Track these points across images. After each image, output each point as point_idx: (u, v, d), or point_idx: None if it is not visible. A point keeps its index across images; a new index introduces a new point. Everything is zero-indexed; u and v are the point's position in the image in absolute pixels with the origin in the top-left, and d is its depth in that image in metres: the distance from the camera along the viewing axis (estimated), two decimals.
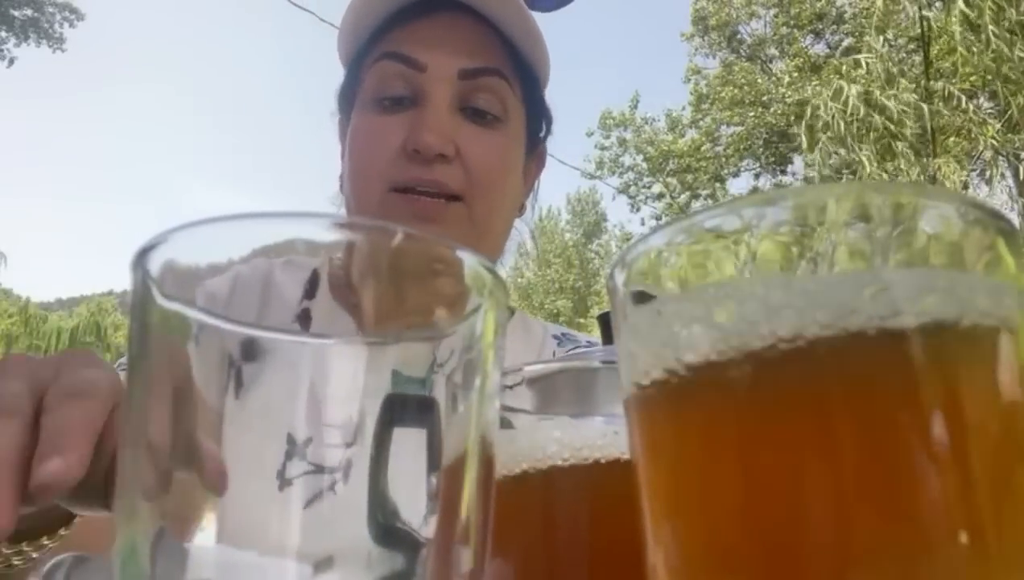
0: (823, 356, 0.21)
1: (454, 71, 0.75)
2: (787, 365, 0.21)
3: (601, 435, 0.35)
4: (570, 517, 0.35)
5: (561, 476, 0.35)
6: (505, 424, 0.38)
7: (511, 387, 0.38)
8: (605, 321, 0.48)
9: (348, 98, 0.83)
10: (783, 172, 14.29)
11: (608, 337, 0.46)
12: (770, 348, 0.21)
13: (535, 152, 0.88)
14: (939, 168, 6.99)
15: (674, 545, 0.24)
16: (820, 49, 13.69)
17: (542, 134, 0.88)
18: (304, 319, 0.75)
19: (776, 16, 14.13)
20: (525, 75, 0.80)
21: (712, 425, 0.23)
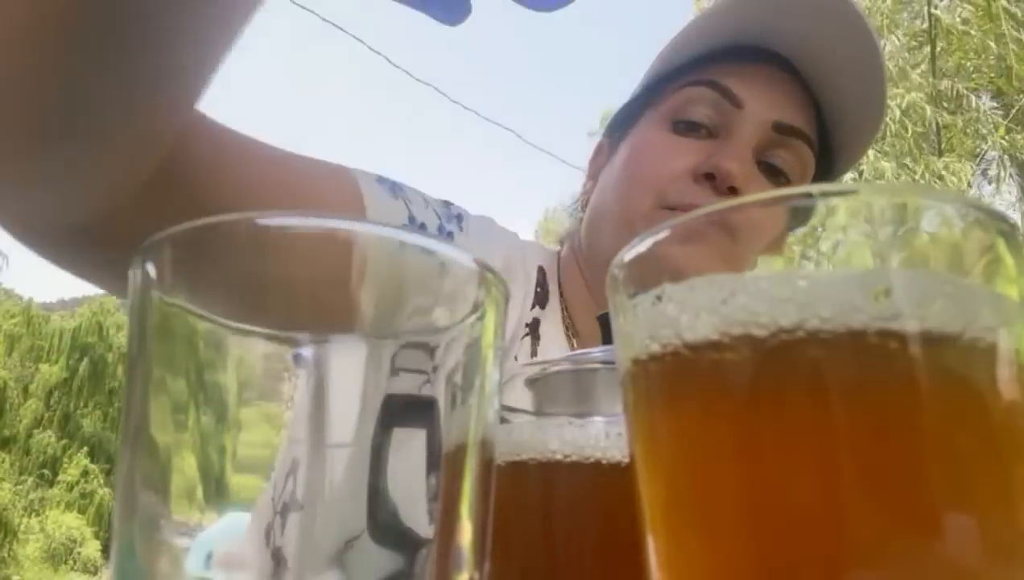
0: (822, 347, 0.21)
1: (770, 119, 0.73)
2: (786, 350, 0.21)
3: (604, 436, 0.35)
4: (571, 509, 0.35)
5: (562, 471, 0.35)
6: (509, 422, 0.38)
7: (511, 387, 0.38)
8: (604, 322, 0.48)
9: (628, 118, 0.81)
10: None
11: (608, 337, 0.46)
12: (771, 336, 0.21)
13: None
14: (946, 167, 6.98)
15: (671, 532, 0.24)
16: None
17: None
18: None
19: None
20: (823, 157, 0.78)
21: (708, 403, 0.23)
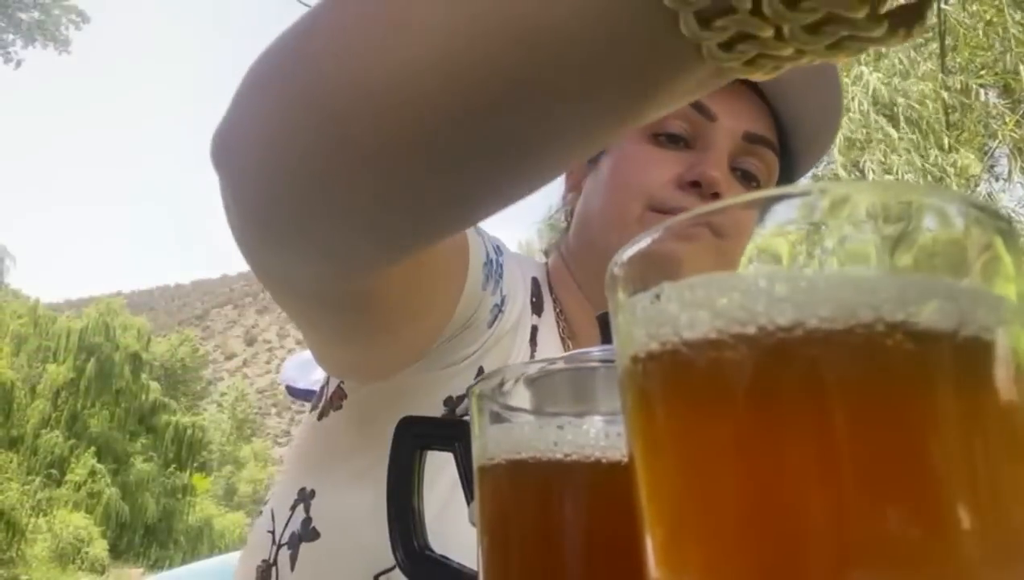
0: (821, 346, 0.21)
1: (741, 130, 0.80)
2: (784, 349, 0.21)
3: (604, 435, 0.35)
4: (570, 507, 0.35)
5: (562, 469, 0.35)
6: (510, 422, 0.38)
7: (511, 387, 0.39)
8: (603, 321, 0.47)
9: None
10: None
11: (607, 337, 0.46)
12: (769, 335, 0.21)
13: None
14: (955, 162, 6.95)
15: (669, 531, 0.24)
16: None
17: None
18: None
19: None
20: (785, 161, 0.85)
21: (706, 402, 0.23)
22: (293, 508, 0.75)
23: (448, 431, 0.52)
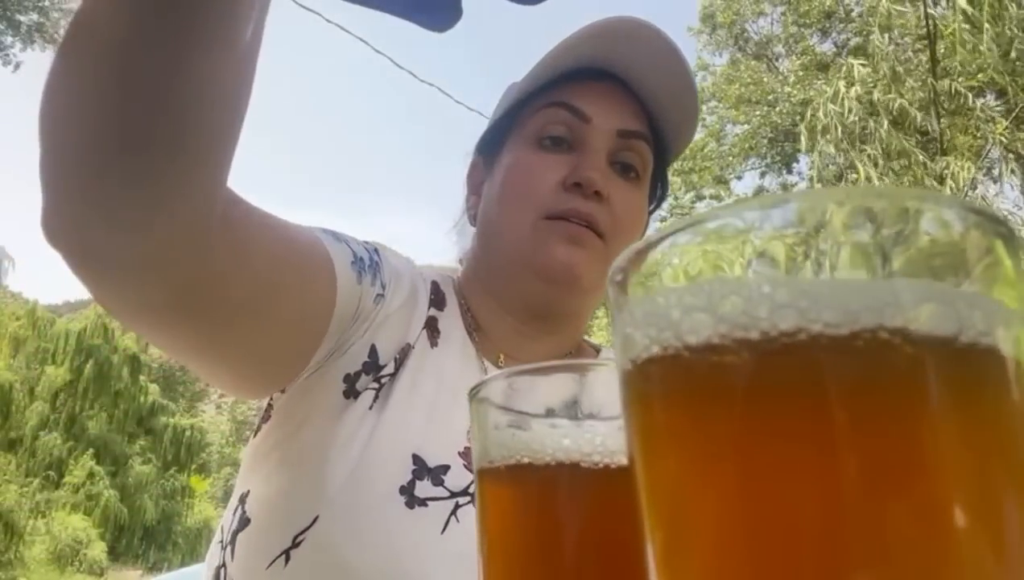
0: (822, 351, 0.21)
1: (615, 128, 0.89)
2: (785, 354, 0.21)
3: (604, 438, 0.35)
4: (571, 511, 0.35)
5: (562, 473, 0.35)
6: (511, 425, 0.38)
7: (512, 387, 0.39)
8: None
9: (496, 139, 0.96)
10: (788, 171, 14.26)
11: None
12: (771, 340, 0.21)
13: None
14: (947, 166, 6.95)
15: (670, 534, 0.24)
16: (827, 48, 13.66)
17: (652, 206, 1.00)
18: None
19: (784, 14, 14.09)
20: (659, 149, 0.94)
21: (707, 406, 0.23)
22: (235, 511, 0.83)
23: None
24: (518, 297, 0.90)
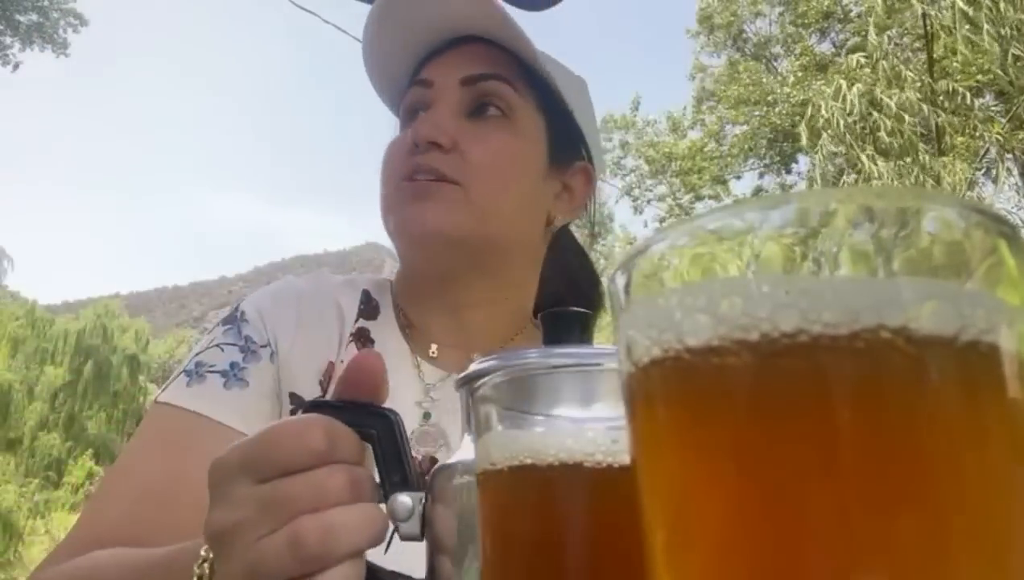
0: (824, 352, 0.21)
1: (455, 80, 0.88)
2: (787, 355, 0.21)
3: (605, 439, 0.35)
4: (571, 511, 0.35)
5: (563, 473, 0.35)
6: (511, 425, 0.38)
7: (506, 384, 0.38)
8: (549, 320, 0.46)
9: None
10: (787, 171, 14.26)
11: (551, 338, 0.45)
12: (772, 341, 0.21)
13: (569, 167, 0.95)
14: (945, 166, 6.95)
15: (672, 535, 0.24)
16: (826, 48, 13.66)
17: (580, 155, 0.96)
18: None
19: (782, 15, 14.09)
20: (538, 85, 0.90)
21: (709, 407, 0.23)
22: None
23: (363, 418, 0.46)
24: (412, 273, 0.91)
